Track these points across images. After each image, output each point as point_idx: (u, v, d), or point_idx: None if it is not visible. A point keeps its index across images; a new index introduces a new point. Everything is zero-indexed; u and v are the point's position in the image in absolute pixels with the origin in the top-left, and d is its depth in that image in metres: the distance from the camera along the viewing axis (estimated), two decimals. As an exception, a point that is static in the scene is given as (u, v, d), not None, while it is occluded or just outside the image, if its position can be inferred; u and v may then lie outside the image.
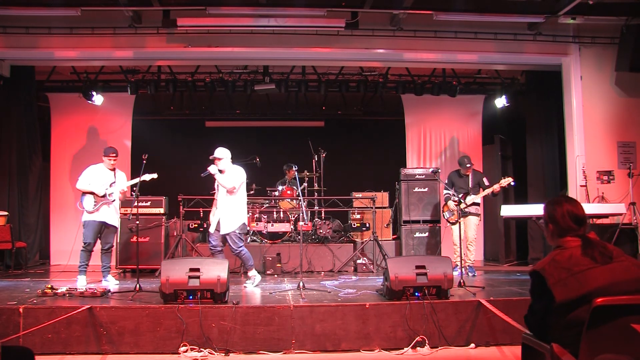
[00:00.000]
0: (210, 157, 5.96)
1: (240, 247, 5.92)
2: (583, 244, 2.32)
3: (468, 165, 7.03)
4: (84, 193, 6.10)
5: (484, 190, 6.90)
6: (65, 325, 4.32)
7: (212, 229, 6.03)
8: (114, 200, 6.20)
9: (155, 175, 6.25)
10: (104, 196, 6.09)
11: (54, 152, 9.38)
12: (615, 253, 2.29)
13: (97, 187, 6.09)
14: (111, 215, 6.19)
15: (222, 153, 5.97)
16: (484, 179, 7.10)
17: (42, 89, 9.32)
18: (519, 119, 9.65)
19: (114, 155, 6.25)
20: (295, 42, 7.70)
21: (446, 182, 7.24)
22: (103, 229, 6.15)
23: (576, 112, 7.86)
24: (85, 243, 6.06)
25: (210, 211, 6.38)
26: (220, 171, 5.93)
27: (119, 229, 7.50)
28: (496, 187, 6.74)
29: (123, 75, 9.08)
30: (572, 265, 2.26)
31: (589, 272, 2.23)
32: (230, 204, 5.92)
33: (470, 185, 7.03)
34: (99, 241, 6.21)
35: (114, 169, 6.28)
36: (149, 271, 7.26)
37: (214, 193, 6.22)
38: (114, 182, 6.20)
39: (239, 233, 5.93)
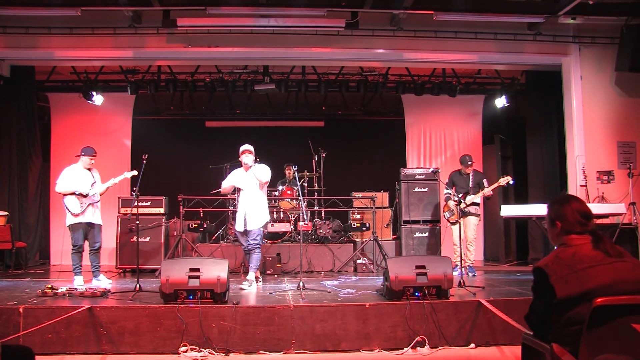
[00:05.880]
0: (241, 150, 5.98)
1: (260, 244, 6.01)
2: (594, 240, 2.31)
3: (470, 163, 7.08)
4: (66, 195, 5.98)
5: (482, 190, 6.93)
6: (65, 325, 4.32)
7: (241, 228, 5.97)
8: (98, 201, 6.17)
9: (135, 172, 6.18)
10: (87, 197, 6.02)
11: (54, 152, 9.37)
12: (623, 252, 2.29)
13: (81, 188, 6.00)
14: (96, 214, 6.15)
15: (251, 147, 6.01)
16: (484, 181, 7.11)
17: (42, 89, 9.32)
18: (519, 119, 9.66)
19: (95, 155, 6.21)
20: (295, 42, 7.70)
21: (447, 181, 7.26)
22: (89, 229, 6.11)
23: (576, 112, 7.86)
24: (76, 246, 6.02)
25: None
26: None
27: (117, 228, 7.56)
28: (495, 185, 6.80)
29: (123, 75, 9.08)
30: (575, 262, 2.25)
31: (592, 270, 2.22)
32: (260, 200, 6.01)
33: (470, 185, 7.05)
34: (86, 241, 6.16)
35: (90, 169, 6.20)
36: (149, 271, 7.26)
37: (239, 192, 6.13)
38: (95, 182, 6.16)
39: (262, 230, 6.04)
